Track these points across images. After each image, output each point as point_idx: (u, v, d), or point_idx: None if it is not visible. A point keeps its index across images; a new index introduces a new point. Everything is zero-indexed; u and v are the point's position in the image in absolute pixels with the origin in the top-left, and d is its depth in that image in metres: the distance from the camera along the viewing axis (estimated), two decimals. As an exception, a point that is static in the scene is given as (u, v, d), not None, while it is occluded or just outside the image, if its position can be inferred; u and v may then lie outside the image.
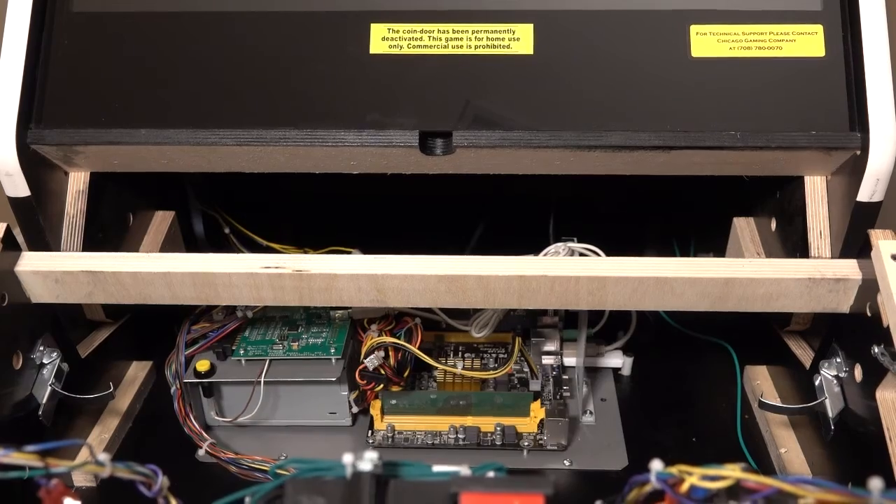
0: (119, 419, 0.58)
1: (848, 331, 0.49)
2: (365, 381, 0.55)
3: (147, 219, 0.64)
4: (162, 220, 0.65)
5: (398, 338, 0.56)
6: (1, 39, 0.51)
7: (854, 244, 0.50)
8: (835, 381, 0.50)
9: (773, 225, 0.59)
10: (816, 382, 0.51)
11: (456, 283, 0.49)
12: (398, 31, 0.52)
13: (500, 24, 0.52)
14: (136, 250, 0.62)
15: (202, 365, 0.55)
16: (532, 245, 0.56)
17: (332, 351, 0.56)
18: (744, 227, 0.63)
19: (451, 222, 0.74)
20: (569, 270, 0.48)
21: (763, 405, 0.54)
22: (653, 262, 0.48)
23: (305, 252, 0.71)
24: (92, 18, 0.53)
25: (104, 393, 0.54)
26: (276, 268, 0.49)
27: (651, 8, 0.52)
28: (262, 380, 0.55)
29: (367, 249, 0.50)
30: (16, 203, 0.52)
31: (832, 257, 0.52)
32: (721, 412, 0.61)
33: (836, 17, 0.51)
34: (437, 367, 0.59)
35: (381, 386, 0.56)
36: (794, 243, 0.55)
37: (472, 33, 0.52)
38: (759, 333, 0.63)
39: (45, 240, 0.53)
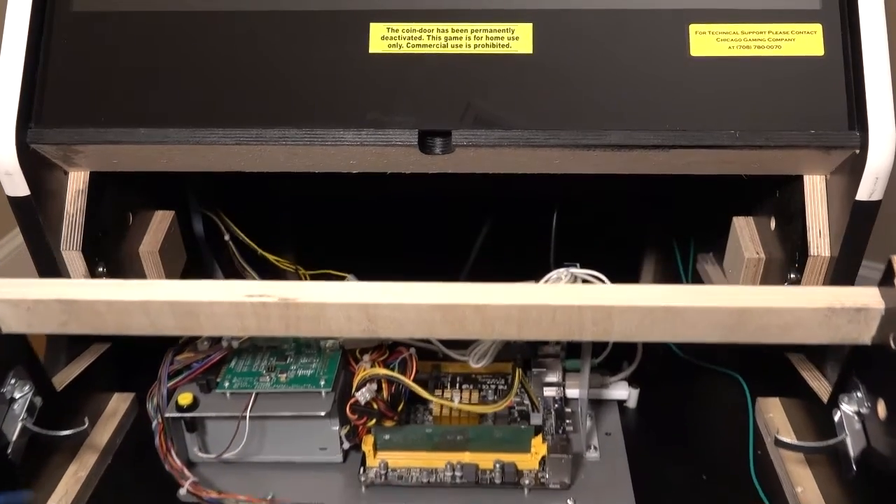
0: (97, 455, 0.56)
1: (869, 363, 0.46)
2: (356, 416, 0.53)
3: (147, 218, 0.65)
4: (162, 220, 0.65)
5: (392, 369, 0.54)
6: (1, 39, 0.52)
7: (853, 243, 0.51)
8: (856, 418, 0.47)
9: (773, 224, 0.59)
10: (836, 418, 0.48)
11: (452, 313, 0.46)
12: (397, 31, 0.52)
13: (500, 23, 0.52)
14: (136, 250, 0.62)
15: (184, 398, 0.53)
16: (533, 248, 0.55)
17: (322, 383, 0.53)
18: (743, 227, 0.63)
19: (451, 230, 0.75)
20: (572, 299, 0.45)
21: (779, 443, 0.52)
22: (661, 291, 0.46)
23: (298, 270, 0.73)
24: (92, 18, 0.53)
25: (78, 429, 0.51)
26: (261, 296, 0.46)
27: (650, 7, 0.52)
28: (248, 414, 0.53)
29: (365, 259, 0.50)
30: (15, 202, 0.52)
31: (831, 256, 0.52)
32: (732, 447, 0.59)
33: (835, 17, 0.51)
34: (432, 401, 0.56)
35: (374, 421, 0.53)
36: (793, 242, 0.55)
37: (472, 32, 0.52)
38: (770, 363, 0.60)
39: (44, 239, 0.53)
